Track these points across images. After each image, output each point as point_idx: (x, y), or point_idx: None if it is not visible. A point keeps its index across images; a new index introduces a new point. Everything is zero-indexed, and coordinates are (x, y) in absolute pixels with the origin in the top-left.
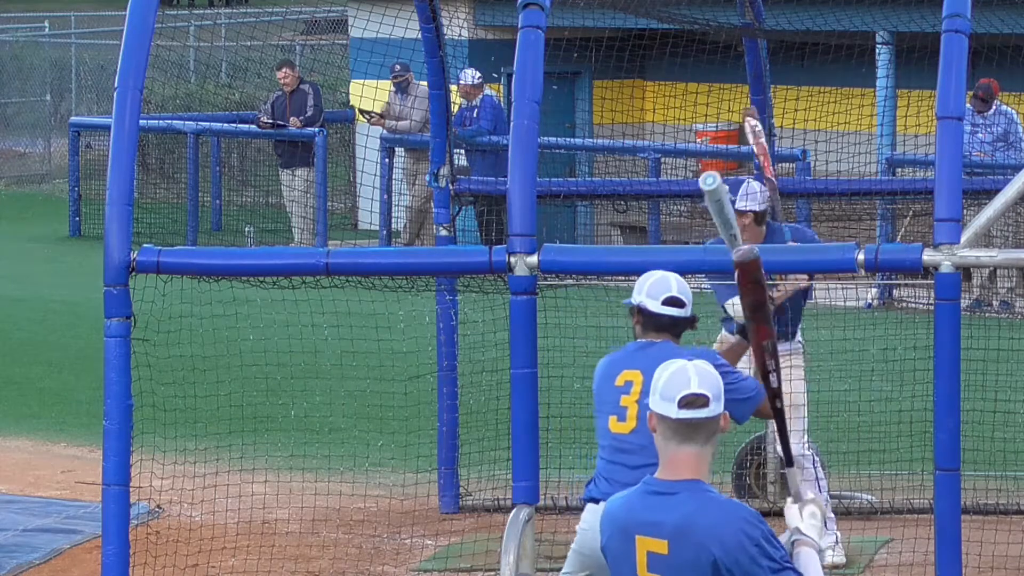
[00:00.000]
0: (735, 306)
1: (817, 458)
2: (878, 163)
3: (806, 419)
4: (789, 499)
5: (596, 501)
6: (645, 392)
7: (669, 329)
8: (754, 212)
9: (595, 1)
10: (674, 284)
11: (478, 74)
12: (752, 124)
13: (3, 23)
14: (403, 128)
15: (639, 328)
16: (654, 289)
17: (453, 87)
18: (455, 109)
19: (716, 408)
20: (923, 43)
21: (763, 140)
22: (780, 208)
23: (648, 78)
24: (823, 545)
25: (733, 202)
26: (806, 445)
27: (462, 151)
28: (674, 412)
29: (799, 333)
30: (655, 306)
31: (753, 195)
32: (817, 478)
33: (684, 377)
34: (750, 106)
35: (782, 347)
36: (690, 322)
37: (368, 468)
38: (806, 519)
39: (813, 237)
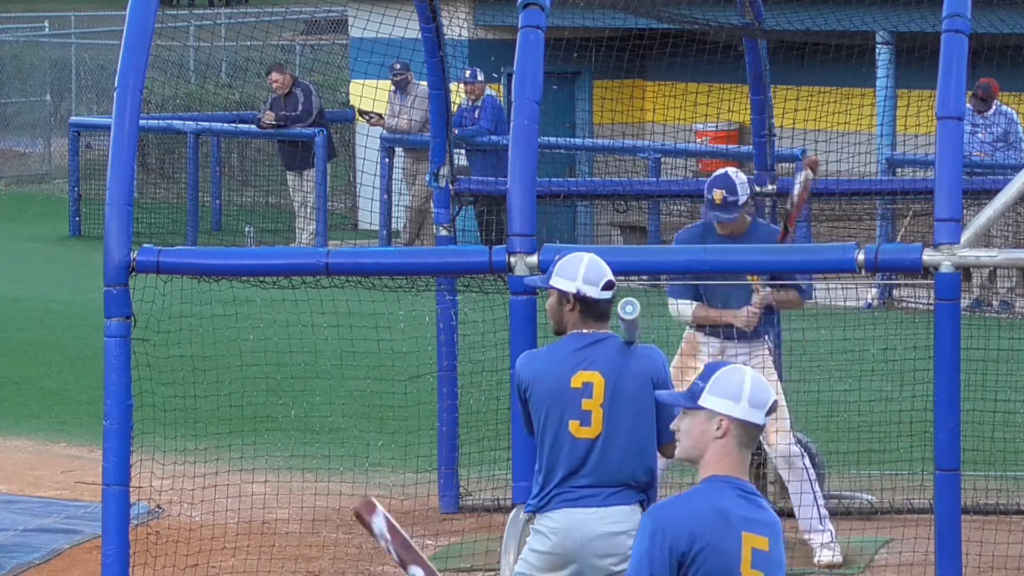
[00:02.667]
0: (678, 306)
1: (808, 456)
2: (878, 163)
3: (788, 418)
4: None
5: (561, 506)
6: (610, 396)
7: (606, 315)
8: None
9: (595, 1)
10: (605, 267)
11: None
12: (806, 175)
13: (3, 23)
14: (403, 127)
15: (575, 316)
16: (591, 274)
17: (453, 85)
18: (455, 108)
19: None
20: (923, 43)
21: (806, 194)
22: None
23: (648, 78)
24: (821, 542)
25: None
26: (793, 442)
27: (462, 151)
28: (762, 419)
29: (767, 335)
30: (596, 292)
31: (733, 187)
32: (809, 478)
33: (764, 386)
34: (813, 157)
35: (744, 344)
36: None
37: (368, 468)
38: None
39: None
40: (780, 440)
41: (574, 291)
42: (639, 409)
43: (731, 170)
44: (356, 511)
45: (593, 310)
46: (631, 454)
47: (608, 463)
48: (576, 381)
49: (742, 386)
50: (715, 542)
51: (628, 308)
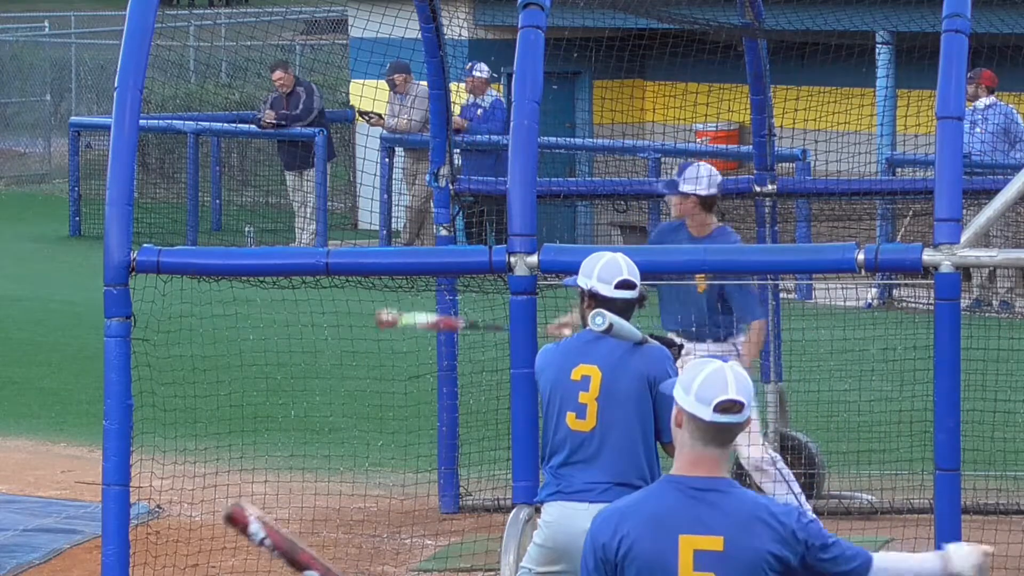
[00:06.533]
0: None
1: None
2: (878, 163)
3: (758, 422)
4: None
5: (556, 498)
6: (604, 389)
7: (622, 313)
8: (698, 196)
9: (595, 1)
10: (624, 266)
11: (487, 68)
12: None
13: (3, 23)
14: (403, 127)
15: (590, 313)
16: (605, 273)
17: (456, 84)
18: (457, 108)
19: (747, 413)
20: (923, 43)
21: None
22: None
23: (648, 78)
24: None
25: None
26: (765, 448)
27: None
28: (708, 415)
29: (736, 334)
30: (608, 290)
31: (699, 178)
32: (785, 479)
33: (722, 381)
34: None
35: (716, 347)
36: (639, 302)
37: (368, 468)
38: None
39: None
40: (752, 453)
41: (587, 288)
42: (634, 406)
43: (703, 164)
44: (228, 517)
45: (605, 308)
46: (625, 451)
47: (602, 458)
48: (576, 374)
49: (693, 378)
50: (643, 544)
51: (597, 320)
